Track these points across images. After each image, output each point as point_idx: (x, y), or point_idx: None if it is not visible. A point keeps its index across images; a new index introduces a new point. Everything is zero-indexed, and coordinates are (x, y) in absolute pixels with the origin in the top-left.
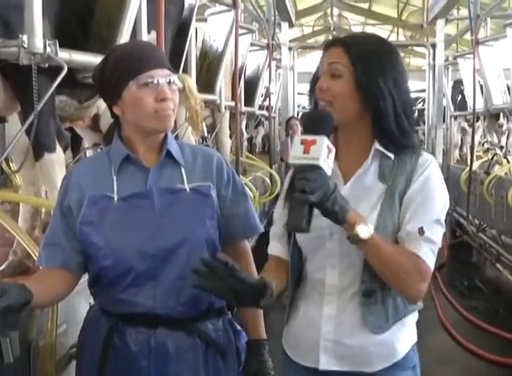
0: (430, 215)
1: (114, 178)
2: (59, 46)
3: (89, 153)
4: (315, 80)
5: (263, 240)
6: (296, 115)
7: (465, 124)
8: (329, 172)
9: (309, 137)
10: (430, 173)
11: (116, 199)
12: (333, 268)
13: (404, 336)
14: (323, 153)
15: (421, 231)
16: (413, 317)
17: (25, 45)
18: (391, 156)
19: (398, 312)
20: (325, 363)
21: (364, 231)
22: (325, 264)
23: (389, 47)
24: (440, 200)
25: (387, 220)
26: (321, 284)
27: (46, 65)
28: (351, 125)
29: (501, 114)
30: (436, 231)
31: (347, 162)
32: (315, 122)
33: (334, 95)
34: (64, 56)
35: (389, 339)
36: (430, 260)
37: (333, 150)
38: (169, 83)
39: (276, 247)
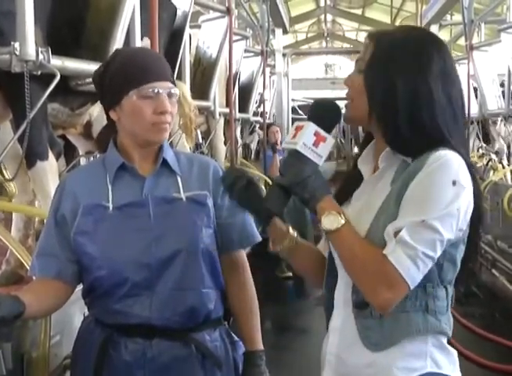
0: (416, 215)
1: (109, 186)
2: (52, 53)
3: (83, 160)
4: None
5: (259, 247)
6: (290, 121)
7: None
8: (318, 160)
9: (301, 123)
10: (435, 170)
11: (111, 208)
12: (341, 278)
13: (403, 363)
14: (306, 139)
15: (398, 231)
16: (427, 345)
17: (17, 53)
18: (408, 159)
19: (398, 329)
20: None
21: (328, 222)
22: (338, 273)
23: (420, 45)
24: (438, 201)
25: (380, 221)
26: (334, 295)
27: (39, 72)
28: (371, 125)
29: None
30: (419, 235)
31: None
32: (317, 111)
33: (354, 91)
34: (57, 63)
35: (384, 362)
36: (402, 267)
37: (329, 138)
38: (169, 95)
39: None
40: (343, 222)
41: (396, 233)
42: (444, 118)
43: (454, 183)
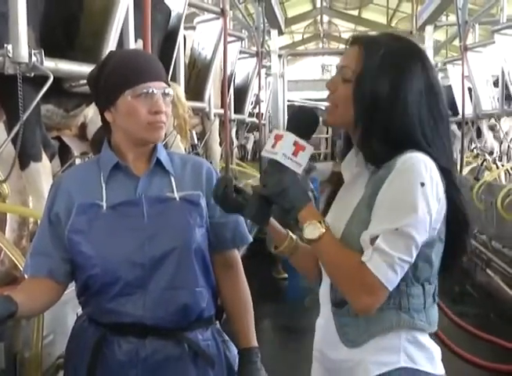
0: (390, 223)
1: (103, 186)
2: (45, 55)
3: (78, 161)
4: None
5: (254, 248)
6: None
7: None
8: (296, 169)
9: (280, 132)
10: (402, 174)
11: (105, 207)
12: (324, 279)
13: (378, 358)
14: (286, 149)
15: (374, 239)
16: (400, 339)
17: (10, 55)
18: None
19: (371, 326)
20: (315, 372)
21: (310, 231)
22: (323, 274)
23: (409, 60)
24: (409, 207)
25: (353, 226)
26: (319, 294)
27: (32, 74)
28: (351, 131)
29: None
30: (394, 243)
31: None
32: (295, 120)
33: (339, 98)
34: (50, 65)
35: (359, 357)
36: (380, 273)
37: (308, 148)
38: (164, 95)
39: None
40: (323, 230)
41: (372, 240)
42: (424, 130)
43: (422, 185)
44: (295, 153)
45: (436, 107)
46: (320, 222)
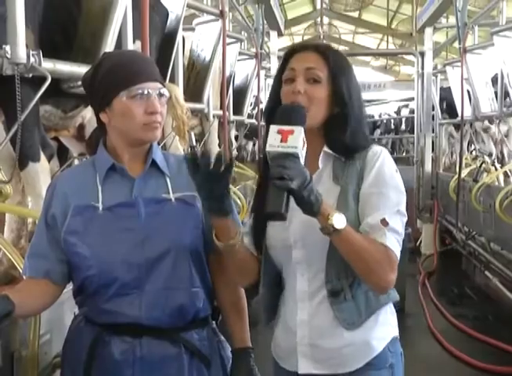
0: (390, 206)
1: (99, 187)
2: (43, 56)
3: (76, 162)
4: (279, 82)
5: None
6: None
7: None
8: (303, 163)
9: (287, 127)
10: (381, 164)
11: (101, 208)
12: (302, 275)
13: (377, 333)
14: (300, 143)
15: (385, 222)
16: (387, 313)
17: (8, 56)
18: (342, 158)
19: (370, 305)
20: (303, 367)
21: (339, 221)
22: (295, 271)
23: (350, 64)
24: (396, 190)
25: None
26: (294, 291)
27: (30, 75)
28: (312, 130)
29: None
30: (398, 221)
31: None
32: (291, 114)
33: (311, 99)
34: (48, 65)
35: (362, 337)
36: (397, 250)
37: (305, 142)
38: (159, 95)
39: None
40: (345, 219)
41: (383, 223)
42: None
43: (396, 171)
44: (302, 147)
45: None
46: (340, 213)
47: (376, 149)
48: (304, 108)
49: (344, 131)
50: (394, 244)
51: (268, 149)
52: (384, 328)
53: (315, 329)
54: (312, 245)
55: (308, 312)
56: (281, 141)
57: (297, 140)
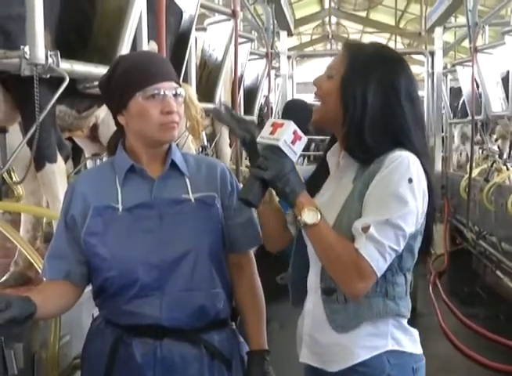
0: (381, 214)
1: (119, 188)
2: (60, 57)
3: (89, 163)
4: None
5: (262, 249)
6: None
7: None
8: (293, 157)
9: (279, 120)
10: (392, 170)
11: (120, 209)
12: (312, 267)
13: (366, 342)
14: (286, 137)
15: (366, 228)
16: (388, 325)
17: (27, 56)
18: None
19: (360, 313)
20: (303, 356)
21: (309, 216)
22: (310, 264)
23: (388, 59)
24: (397, 200)
25: (344, 217)
26: (307, 280)
27: (48, 76)
28: (337, 127)
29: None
30: (385, 232)
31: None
32: (289, 109)
33: (323, 92)
34: (65, 66)
35: (349, 341)
36: (373, 260)
37: (304, 138)
38: (175, 95)
39: None
40: (319, 217)
41: (364, 229)
42: (406, 127)
43: (410, 181)
44: (293, 142)
45: (413, 111)
46: (316, 209)
47: (397, 154)
48: (309, 104)
49: (353, 134)
50: (371, 253)
51: (257, 139)
52: (377, 339)
53: (315, 320)
54: None
55: (312, 303)
56: (270, 133)
57: (283, 133)
